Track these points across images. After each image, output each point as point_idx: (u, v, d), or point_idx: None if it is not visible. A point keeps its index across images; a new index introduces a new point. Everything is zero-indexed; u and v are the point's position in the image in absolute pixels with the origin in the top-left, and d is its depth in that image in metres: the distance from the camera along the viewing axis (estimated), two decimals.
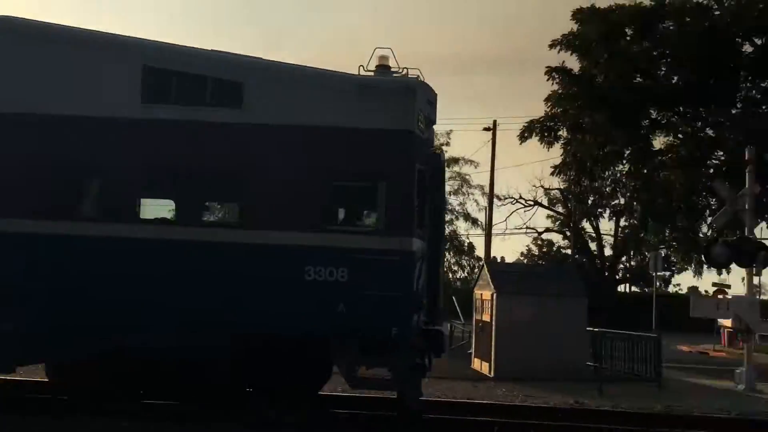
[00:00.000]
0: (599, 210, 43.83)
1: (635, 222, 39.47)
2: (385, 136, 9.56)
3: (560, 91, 29.25)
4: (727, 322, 22.02)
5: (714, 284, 36.73)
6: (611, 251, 50.73)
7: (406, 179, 9.54)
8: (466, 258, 47.38)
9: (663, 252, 38.54)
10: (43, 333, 9.17)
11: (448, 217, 37.60)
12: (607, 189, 35.98)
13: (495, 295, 17.11)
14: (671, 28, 27.84)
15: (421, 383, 9.67)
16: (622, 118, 27.22)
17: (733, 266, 21.94)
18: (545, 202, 48.25)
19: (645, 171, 29.84)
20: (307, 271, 9.21)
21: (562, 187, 41.42)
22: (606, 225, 49.06)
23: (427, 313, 10.20)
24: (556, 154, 31.50)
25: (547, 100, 29.79)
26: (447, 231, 36.59)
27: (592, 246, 50.11)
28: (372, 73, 9.92)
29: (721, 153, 27.68)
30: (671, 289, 59.43)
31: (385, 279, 9.36)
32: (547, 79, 29.33)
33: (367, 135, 9.51)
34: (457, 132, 69.67)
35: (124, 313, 9.17)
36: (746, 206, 17.05)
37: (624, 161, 30.66)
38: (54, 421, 8.80)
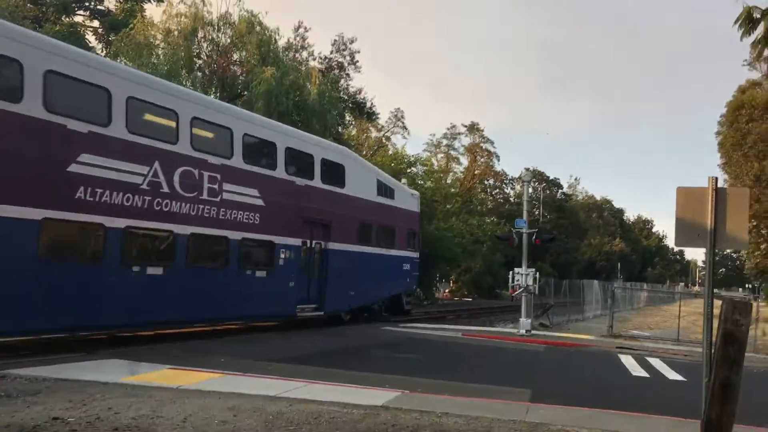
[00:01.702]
0: None
1: None
2: (417, 214, 28.07)
3: None
4: None
5: None
6: None
7: (418, 230, 28.26)
8: None
9: None
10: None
11: None
12: None
13: None
14: None
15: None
16: None
17: None
18: None
19: None
20: (403, 266, 25.99)
21: None
22: None
23: None
24: None
25: None
26: None
27: None
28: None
29: None
30: None
31: (412, 269, 26.80)
32: None
33: (411, 213, 27.11)
34: None
35: (364, 285, 23.25)
36: None
37: None
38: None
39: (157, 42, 32.62)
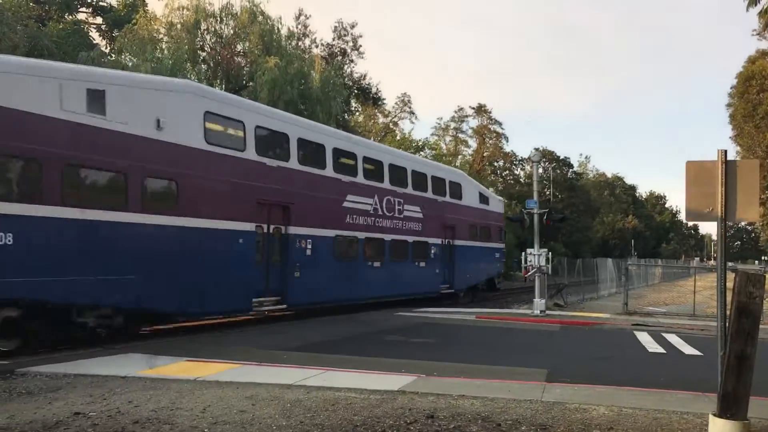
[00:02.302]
0: None
1: None
2: (502, 215, 35.72)
3: None
4: None
5: None
6: None
7: (503, 226, 35.63)
8: None
9: None
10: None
11: None
12: None
13: None
14: None
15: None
16: None
17: None
18: None
19: None
20: (495, 254, 33.87)
21: None
22: None
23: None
24: None
25: None
26: None
27: None
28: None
29: None
30: None
31: (500, 256, 34.85)
32: None
33: (499, 214, 35.04)
34: None
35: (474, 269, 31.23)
36: None
37: None
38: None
39: (161, 36, 32.66)
